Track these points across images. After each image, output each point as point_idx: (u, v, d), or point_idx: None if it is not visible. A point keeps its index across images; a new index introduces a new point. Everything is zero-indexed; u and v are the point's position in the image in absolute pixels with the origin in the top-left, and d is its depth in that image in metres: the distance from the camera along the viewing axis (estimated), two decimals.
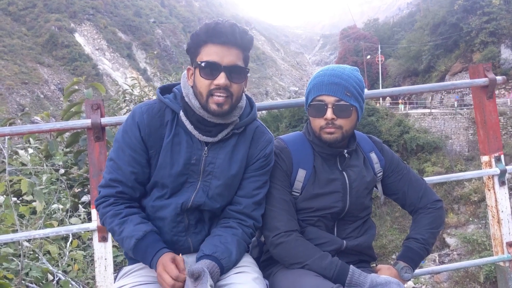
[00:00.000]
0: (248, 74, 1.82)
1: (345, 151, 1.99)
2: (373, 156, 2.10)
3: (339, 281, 1.75)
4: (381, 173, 2.11)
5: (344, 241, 1.97)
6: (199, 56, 1.73)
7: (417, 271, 2.30)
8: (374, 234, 2.09)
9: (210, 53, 1.70)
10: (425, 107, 38.96)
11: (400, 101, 40.84)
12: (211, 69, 1.69)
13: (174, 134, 1.78)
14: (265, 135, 1.93)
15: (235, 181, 1.86)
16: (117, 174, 1.77)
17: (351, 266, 1.81)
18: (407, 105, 40.26)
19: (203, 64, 1.70)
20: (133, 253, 1.74)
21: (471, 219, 23.82)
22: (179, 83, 1.89)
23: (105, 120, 2.28)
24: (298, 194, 1.98)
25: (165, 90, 1.90)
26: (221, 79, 1.68)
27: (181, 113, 1.78)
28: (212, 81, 1.69)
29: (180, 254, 1.73)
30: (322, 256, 1.83)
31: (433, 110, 35.21)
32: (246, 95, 1.94)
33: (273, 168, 1.96)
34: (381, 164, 2.10)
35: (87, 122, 2.26)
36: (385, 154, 2.14)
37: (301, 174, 1.97)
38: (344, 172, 2.00)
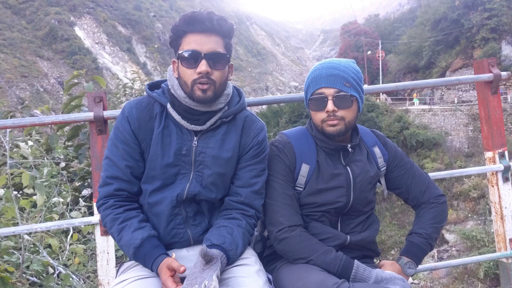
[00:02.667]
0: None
1: (349, 145, 1.97)
2: (377, 150, 2.09)
3: (343, 276, 1.74)
4: (385, 167, 2.10)
5: (348, 236, 1.96)
6: (181, 47, 1.75)
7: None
8: (377, 229, 2.08)
9: (190, 42, 1.72)
10: (425, 103, 38.94)
11: (414, 94, 40.73)
12: (192, 58, 1.71)
13: (164, 126, 1.80)
14: (256, 123, 1.93)
15: (228, 170, 1.86)
16: (113, 170, 1.79)
17: (356, 261, 1.80)
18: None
19: (184, 54, 1.72)
20: (134, 260, 1.77)
21: (470, 215, 23.85)
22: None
23: (107, 113, 2.25)
24: (301, 189, 1.96)
25: (153, 86, 1.93)
26: (202, 66, 1.70)
27: (168, 106, 1.80)
28: (194, 70, 1.71)
29: (173, 254, 1.71)
30: (327, 251, 1.81)
31: (433, 107, 35.16)
32: (234, 86, 1.95)
33: (276, 162, 1.96)
34: (384, 158, 2.09)
35: (90, 115, 2.24)
36: (389, 148, 2.12)
37: (305, 169, 1.96)
38: (347, 167, 1.98)
